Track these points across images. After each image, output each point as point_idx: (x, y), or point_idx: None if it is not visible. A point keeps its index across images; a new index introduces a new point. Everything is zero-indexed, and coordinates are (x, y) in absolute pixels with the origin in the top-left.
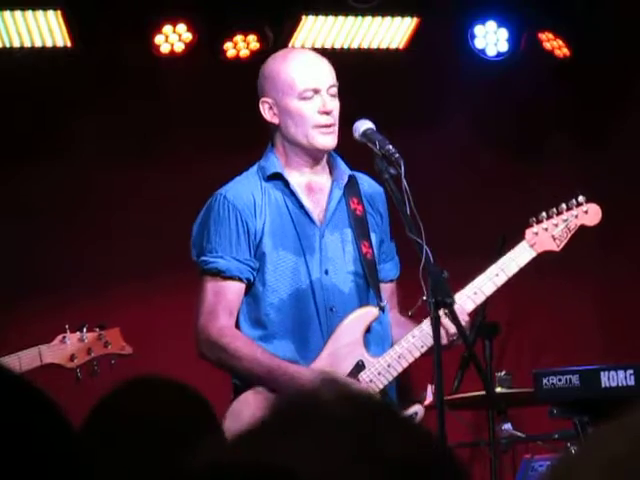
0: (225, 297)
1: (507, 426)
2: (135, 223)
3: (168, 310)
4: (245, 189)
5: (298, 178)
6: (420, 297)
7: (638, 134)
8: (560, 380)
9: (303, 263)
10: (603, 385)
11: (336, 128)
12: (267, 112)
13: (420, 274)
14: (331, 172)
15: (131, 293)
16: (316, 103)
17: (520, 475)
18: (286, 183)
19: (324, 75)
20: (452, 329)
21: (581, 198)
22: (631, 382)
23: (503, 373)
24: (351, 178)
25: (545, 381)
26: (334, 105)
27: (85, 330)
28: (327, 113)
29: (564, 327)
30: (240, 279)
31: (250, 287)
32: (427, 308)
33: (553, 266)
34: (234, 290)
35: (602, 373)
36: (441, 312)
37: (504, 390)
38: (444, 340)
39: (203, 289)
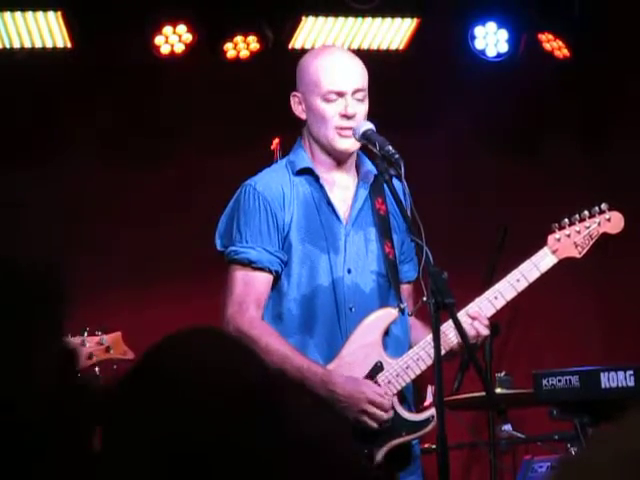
0: (255, 288)
1: (507, 427)
2: (134, 224)
3: (168, 314)
4: (274, 181)
5: (326, 175)
6: (420, 298)
7: (637, 134)
8: (560, 381)
9: (327, 260)
10: (603, 386)
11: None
12: (296, 106)
13: (420, 275)
14: (357, 171)
15: (130, 297)
16: (339, 106)
17: (520, 476)
18: (316, 178)
19: (351, 79)
20: (472, 334)
21: (604, 205)
22: (631, 383)
23: (503, 374)
24: (377, 178)
25: (545, 382)
26: (358, 109)
27: (86, 334)
28: (348, 117)
29: (564, 328)
30: (270, 271)
31: (276, 280)
32: (427, 309)
33: (553, 267)
34: (263, 281)
35: (602, 374)
36: (462, 319)
37: (504, 391)
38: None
39: (232, 279)
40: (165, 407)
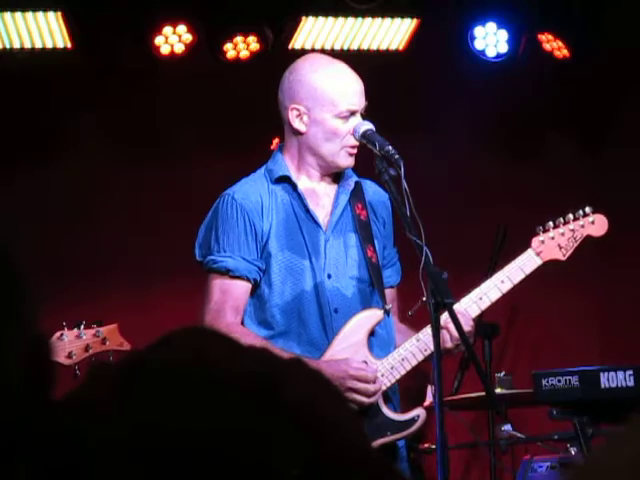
0: (232, 296)
1: (507, 427)
2: (135, 224)
3: (168, 311)
4: (253, 190)
5: (306, 182)
6: (420, 298)
7: (637, 135)
8: (560, 381)
9: (309, 265)
10: (602, 386)
11: None
12: (295, 118)
13: (420, 275)
14: (338, 178)
15: (130, 294)
16: (351, 124)
17: (520, 476)
18: (294, 186)
19: (362, 97)
20: (457, 333)
21: (588, 209)
22: (630, 383)
23: (503, 374)
24: (357, 184)
25: (545, 382)
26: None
27: (82, 327)
28: None
29: (563, 328)
30: (247, 279)
31: (256, 288)
32: (427, 309)
33: (552, 267)
34: (241, 289)
35: (602, 374)
36: (446, 316)
37: (504, 391)
38: (449, 344)
39: (210, 287)
40: (162, 407)
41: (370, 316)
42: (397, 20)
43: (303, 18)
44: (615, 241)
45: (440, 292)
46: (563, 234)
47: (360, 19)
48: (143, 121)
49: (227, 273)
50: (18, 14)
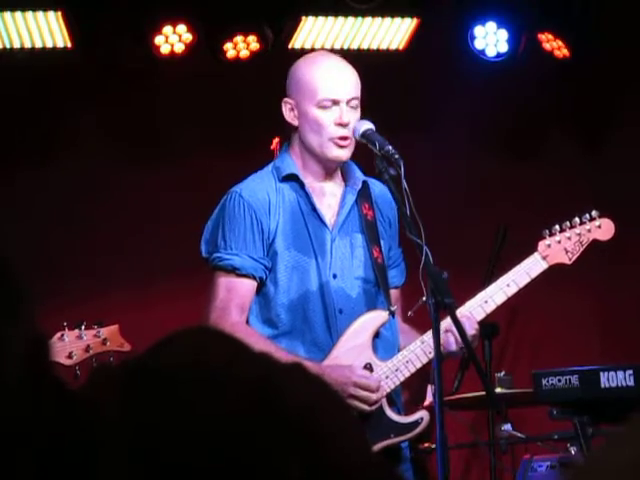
0: (238, 294)
1: (507, 427)
2: (135, 224)
3: (168, 311)
4: (260, 188)
5: (312, 181)
6: (420, 298)
7: (637, 135)
8: (560, 381)
9: (314, 265)
10: (603, 385)
11: (352, 141)
12: (288, 113)
13: (420, 275)
14: (345, 177)
15: (130, 294)
16: (333, 114)
17: (520, 476)
18: (301, 184)
19: (347, 87)
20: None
21: (594, 212)
22: (630, 383)
23: (503, 373)
24: (364, 184)
25: (545, 382)
26: (352, 117)
27: (83, 328)
28: (343, 125)
29: (564, 328)
30: (254, 277)
31: (261, 286)
32: (427, 309)
33: (552, 267)
34: (247, 288)
35: (602, 373)
36: (450, 320)
37: (504, 391)
38: (453, 347)
39: (216, 285)
40: (163, 409)
41: (375, 317)
42: (397, 20)
43: (303, 18)
44: (616, 241)
45: (440, 292)
46: (569, 238)
47: (360, 19)
48: (143, 121)
49: (233, 271)
50: (18, 14)
